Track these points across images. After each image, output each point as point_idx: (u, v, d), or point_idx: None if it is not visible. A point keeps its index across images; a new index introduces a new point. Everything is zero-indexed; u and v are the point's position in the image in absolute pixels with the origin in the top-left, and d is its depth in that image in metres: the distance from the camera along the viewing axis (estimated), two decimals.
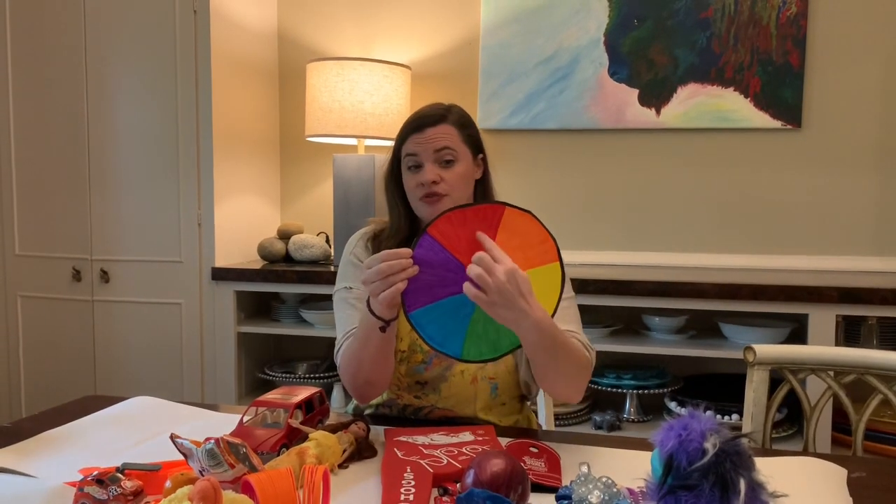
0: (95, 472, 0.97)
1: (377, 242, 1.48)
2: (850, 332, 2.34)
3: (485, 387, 1.41)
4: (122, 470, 0.99)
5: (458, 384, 1.40)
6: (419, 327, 1.19)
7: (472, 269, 1.13)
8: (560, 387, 1.32)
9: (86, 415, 1.40)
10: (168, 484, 0.95)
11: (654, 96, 2.66)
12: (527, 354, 1.28)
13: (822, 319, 2.17)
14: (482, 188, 1.48)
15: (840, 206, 2.57)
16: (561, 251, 1.21)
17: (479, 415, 1.42)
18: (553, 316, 1.19)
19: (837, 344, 2.20)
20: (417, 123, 1.40)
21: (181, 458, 1.00)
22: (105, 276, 2.70)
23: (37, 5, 2.70)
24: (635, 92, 2.67)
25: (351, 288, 1.44)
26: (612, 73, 2.68)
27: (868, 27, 2.51)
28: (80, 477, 0.99)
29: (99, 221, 2.70)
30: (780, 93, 2.56)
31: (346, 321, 1.42)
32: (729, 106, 2.60)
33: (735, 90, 2.59)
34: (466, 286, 1.14)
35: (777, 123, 2.57)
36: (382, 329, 1.23)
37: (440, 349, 1.19)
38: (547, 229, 1.21)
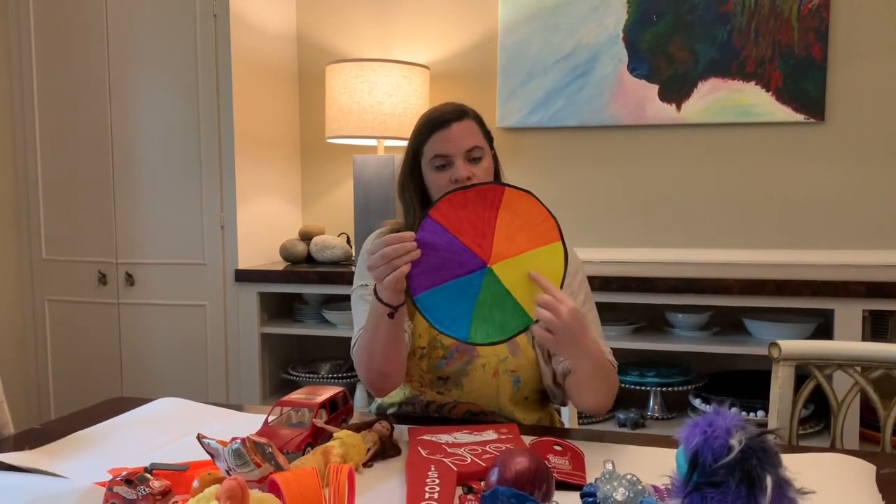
0: (124, 473, 0.98)
1: None
2: (877, 328, 2.31)
3: (507, 380, 1.42)
4: (150, 470, 1.00)
5: (480, 378, 1.41)
6: (425, 311, 1.19)
7: (542, 313, 1.15)
8: (592, 403, 1.36)
9: (113, 416, 1.42)
10: (195, 484, 0.96)
11: (675, 92, 2.64)
12: (576, 379, 1.31)
13: (849, 314, 2.15)
14: (496, 180, 1.49)
15: (865, 199, 2.54)
16: (563, 231, 1.22)
17: (503, 408, 1.43)
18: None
19: (864, 339, 2.18)
20: (441, 119, 1.40)
21: (208, 458, 1.01)
22: (130, 279, 2.73)
23: (59, 12, 2.74)
24: (655, 88, 2.65)
25: (366, 285, 1.45)
26: (632, 70, 2.67)
27: (891, 18, 2.48)
28: (110, 477, 1.00)
29: (123, 225, 2.73)
30: (803, 86, 2.53)
31: (361, 317, 1.43)
32: (750, 100, 2.58)
33: (756, 84, 2.57)
34: (537, 329, 1.17)
35: (800, 117, 2.54)
36: (391, 315, 1.24)
37: (447, 332, 1.19)
38: (548, 209, 1.21)
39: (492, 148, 1.47)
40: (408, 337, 1.39)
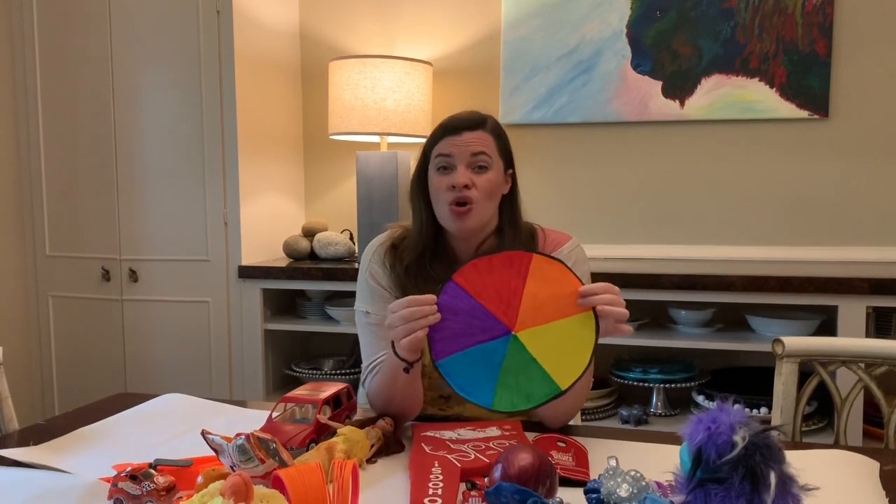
0: (129, 468, 0.98)
1: (395, 255, 1.44)
2: (880, 324, 2.31)
3: None
4: (154, 466, 1.00)
5: None
6: (448, 376, 1.17)
7: (613, 311, 1.16)
8: (570, 406, 1.32)
9: (117, 412, 1.42)
10: (200, 479, 0.96)
11: (678, 88, 2.64)
12: None
13: (852, 311, 2.14)
14: (509, 205, 1.45)
15: (869, 196, 2.53)
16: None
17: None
18: (588, 366, 1.16)
19: (868, 336, 2.17)
20: (454, 125, 1.38)
21: (212, 453, 1.02)
22: (133, 276, 2.73)
23: (63, 9, 2.74)
24: (659, 84, 2.65)
25: (369, 313, 1.42)
26: (636, 66, 2.66)
27: None
28: (114, 473, 1.00)
29: (127, 222, 2.73)
30: (807, 82, 2.52)
31: (368, 349, 1.41)
32: (754, 96, 2.57)
33: (760, 80, 2.56)
34: (625, 327, 1.17)
35: (804, 113, 2.54)
36: (406, 370, 1.23)
37: (470, 398, 1.16)
38: (579, 278, 1.19)
39: (509, 167, 1.44)
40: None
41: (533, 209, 1.52)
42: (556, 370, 1.16)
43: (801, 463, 0.82)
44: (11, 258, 2.84)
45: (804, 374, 1.49)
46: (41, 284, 2.87)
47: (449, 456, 1.11)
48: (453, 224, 1.37)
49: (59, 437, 1.27)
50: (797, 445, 1.28)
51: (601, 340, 1.19)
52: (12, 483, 1.07)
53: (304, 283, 2.60)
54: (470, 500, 0.97)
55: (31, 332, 2.90)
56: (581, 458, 1.14)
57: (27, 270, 2.88)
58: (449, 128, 1.38)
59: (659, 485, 0.90)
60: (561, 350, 1.16)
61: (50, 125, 2.80)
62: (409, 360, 1.22)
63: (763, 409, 2.24)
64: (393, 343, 1.22)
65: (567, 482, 1.03)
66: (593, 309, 1.17)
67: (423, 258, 1.41)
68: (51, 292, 2.86)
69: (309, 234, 2.79)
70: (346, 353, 2.85)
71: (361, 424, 1.19)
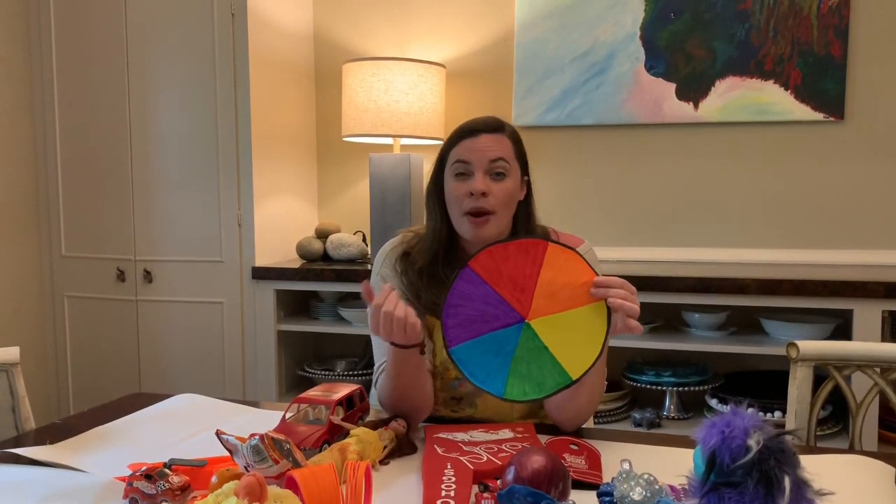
0: (144, 468, 0.99)
1: (406, 262, 1.43)
2: None
3: None
4: (169, 465, 1.01)
5: (494, 398, 1.39)
6: (461, 364, 1.18)
7: (628, 306, 1.15)
8: (584, 405, 1.31)
9: (132, 412, 1.43)
10: (214, 479, 0.97)
11: (692, 90, 2.63)
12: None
13: (868, 315, 2.13)
14: (525, 211, 1.44)
15: (885, 199, 2.52)
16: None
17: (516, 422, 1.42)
18: (599, 356, 1.16)
19: (884, 340, 2.16)
20: (472, 128, 1.37)
21: (226, 453, 1.02)
22: (148, 276, 2.75)
23: (80, 11, 2.76)
24: (673, 86, 2.64)
25: None
26: (649, 68, 2.66)
27: None
28: (130, 472, 1.01)
29: (142, 223, 2.75)
30: (822, 85, 2.51)
31: (379, 349, 1.41)
32: (769, 99, 2.56)
33: (775, 83, 2.55)
34: (632, 323, 1.16)
35: (819, 116, 2.52)
36: (421, 351, 1.24)
37: (482, 387, 1.17)
38: (592, 268, 1.19)
39: (525, 174, 1.43)
40: (429, 356, 1.38)
41: (546, 211, 1.52)
42: (567, 360, 1.16)
43: (816, 468, 0.82)
44: (27, 258, 2.87)
45: (819, 379, 1.48)
46: (57, 285, 2.89)
47: (462, 458, 1.11)
48: (470, 233, 1.37)
49: (75, 436, 1.28)
50: (812, 450, 1.27)
51: (613, 339, 1.19)
52: (29, 481, 1.08)
53: (317, 285, 2.61)
54: (482, 502, 0.97)
55: (46, 332, 2.92)
56: (594, 460, 1.13)
57: (43, 271, 2.91)
58: (467, 130, 1.37)
59: (672, 488, 0.90)
60: (573, 340, 1.17)
61: (66, 126, 2.82)
62: (413, 343, 1.22)
63: (777, 414, 2.22)
64: (393, 342, 1.23)
65: (580, 485, 1.03)
66: (605, 301, 1.17)
67: (436, 262, 1.41)
68: (66, 292, 2.88)
69: (322, 235, 2.80)
70: (358, 354, 2.86)
71: (374, 426, 1.20)
